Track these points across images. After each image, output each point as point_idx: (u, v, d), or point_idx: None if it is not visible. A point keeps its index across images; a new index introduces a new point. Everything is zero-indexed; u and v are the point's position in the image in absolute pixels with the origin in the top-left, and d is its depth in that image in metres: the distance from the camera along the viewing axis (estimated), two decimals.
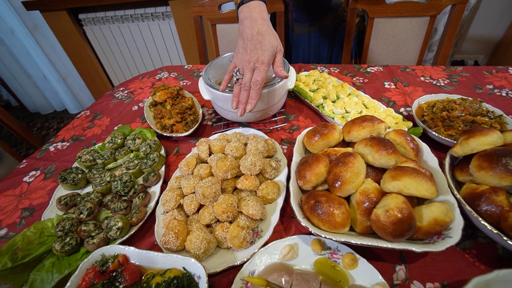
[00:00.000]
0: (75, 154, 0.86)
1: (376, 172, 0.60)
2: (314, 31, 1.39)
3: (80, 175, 0.79)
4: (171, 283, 0.48)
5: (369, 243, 0.49)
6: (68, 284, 0.50)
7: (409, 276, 0.52)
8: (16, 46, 2.71)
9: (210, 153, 0.78)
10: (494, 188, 0.52)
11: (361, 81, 1.12)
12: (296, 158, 0.68)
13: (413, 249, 0.47)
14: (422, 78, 1.09)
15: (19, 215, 0.76)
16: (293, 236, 0.58)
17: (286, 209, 0.67)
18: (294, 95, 1.06)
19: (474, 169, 0.56)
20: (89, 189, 0.79)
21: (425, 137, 0.76)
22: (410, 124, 0.80)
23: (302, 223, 0.53)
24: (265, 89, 0.80)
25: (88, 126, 1.09)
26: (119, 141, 0.88)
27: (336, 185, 0.55)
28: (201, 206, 0.66)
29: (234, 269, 0.56)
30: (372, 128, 0.66)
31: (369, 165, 0.60)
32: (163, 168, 0.79)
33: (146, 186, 0.75)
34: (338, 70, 1.21)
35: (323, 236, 0.51)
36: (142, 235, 0.66)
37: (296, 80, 1.05)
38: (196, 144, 0.80)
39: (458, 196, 0.54)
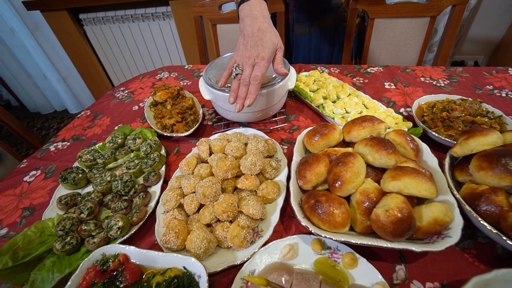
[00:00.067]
0: (76, 154, 0.86)
1: (376, 172, 0.60)
2: (314, 31, 1.39)
3: (80, 175, 0.79)
4: (172, 282, 0.48)
5: (369, 243, 0.49)
6: (69, 283, 0.50)
7: (409, 275, 0.52)
8: (16, 46, 2.72)
9: (211, 153, 0.78)
10: (494, 188, 0.52)
11: (361, 81, 1.12)
12: (296, 158, 0.68)
13: (413, 248, 0.47)
14: (422, 79, 1.09)
15: (19, 214, 0.76)
16: (293, 236, 0.58)
17: (286, 209, 0.67)
18: (294, 95, 1.06)
19: (473, 169, 0.56)
20: (89, 188, 0.79)
21: (425, 137, 0.76)
22: (410, 124, 0.80)
23: (302, 223, 0.53)
24: (265, 89, 0.80)
25: (88, 126, 1.10)
26: (119, 140, 0.89)
27: (336, 185, 0.55)
28: (201, 206, 0.66)
29: (235, 269, 0.56)
30: (372, 128, 0.67)
31: (369, 165, 0.60)
32: (163, 168, 0.80)
33: (147, 185, 0.75)
34: (338, 70, 1.21)
35: (323, 235, 0.51)
36: (143, 234, 0.66)
37: (297, 80, 1.05)
38: (197, 144, 0.80)
39: (457, 196, 0.54)
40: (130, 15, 2.40)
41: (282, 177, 0.70)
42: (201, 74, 1.30)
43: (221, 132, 0.89)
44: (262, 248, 0.57)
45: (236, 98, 0.72)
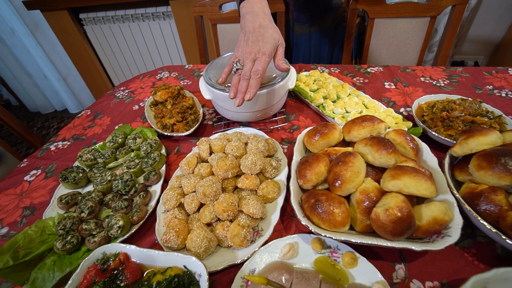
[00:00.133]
0: (76, 153, 0.86)
1: (376, 171, 0.60)
2: (314, 31, 1.39)
3: (81, 174, 0.79)
4: (172, 281, 0.48)
5: (369, 242, 0.49)
6: (69, 282, 0.50)
7: (408, 274, 0.53)
8: (16, 45, 2.72)
9: (211, 153, 0.78)
10: (493, 187, 0.52)
11: (361, 81, 1.12)
12: (296, 158, 0.69)
13: (413, 248, 0.47)
14: (422, 79, 1.09)
15: (20, 213, 0.76)
16: (293, 235, 0.58)
17: (286, 208, 0.67)
18: (295, 95, 1.06)
19: (473, 169, 0.56)
20: (90, 188, 0.79)
21: (425, 137, 0.76)
22: (410, 124, 0.80)
23: (302, 222, 0.54)
24: (266, 89, 0.80)
25: (89, 126, 1.10)
26: (120, 140, 0.89)
27: (336, 184, 0.55)
28: (201, 205, 0.66)
29: (235, 268, 0.56)
30: (372, 127, 0.67)
31: (369, 165, 0.60)
32: (163, 167, 0.80)
33: (147, 185, 0.75)
34: (339, 70, 1.21)
35: (323, 235, 0.52)
36: (143, 233, 0.67)
37: (297, 80, 1.05)
38: (197, 143, 0.80)
39: (457, 195, 0.55)
40: (130, 15, 2.40)
41: (282, 177, 0.71)
42: (201, 73, 1.30)
43: (221, 131, 0.89)
44: (262, 247, 0.57)
45: (236, 93, 0.71)
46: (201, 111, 0.98)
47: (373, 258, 0.54)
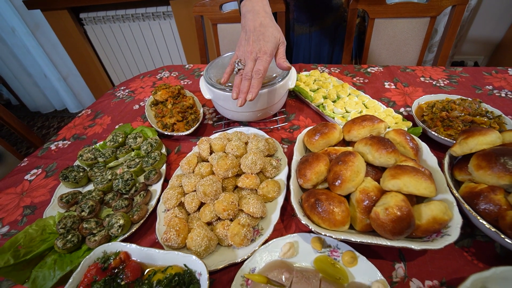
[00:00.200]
0: (76, 153, 0.86)
1: (376, 171, 0.61)
2: (314, 31, 1.39)
3: (81, 173, 0.79)
4: (173, 279, 0.49)
5: (369, 241, 0.49)
6: (70, 280, 0.50)
7: (408, 273, 0.53)
8: (17, 45, 2.72)
9: (211, 152, 0.78)
10: (492, 187, 0.53)
11: (361, 81, 1.13)
12: (296, 157, 0.69)
13: (412, 246, 0.47)
14: (422, 79, 1.10)
15: (20, 213, 0.77)
16: (293, 234, 0.58)
17: (286, 208, 0.67)
18: (295, 95, 1.07)
19: (472, 168, 0.56)
20: (90, 187, 0.79)
21: (424, 137, 0.76)
22: (410, 124, 0.81)
23: (302, 221, 0.54)
24: (266, 89, 0.80)
25: (89, 125, 1.10)
26: (120, 139, 0.89)
27: (336, 183, 0.55)
28: (202, 204, 0.66)
29: (235, 266, 0.56)
30: (372, 127, 0.67)
31: (369, 164, 0.60)
32: (164, 167, 0.80)
33: (147, 184, 0.75)
34: (339, 70, 1.22)
35: (323, 234, 0.52)
36: (143, 232, 0.67)
37: (297, 80, 1.06)
38: (197, 143, 0.80)
39: (456, 194, 0.55)
40: (130, 15, 2.40)
41: (282, 176, 0.71)
42: (201, 73, 1.30)
43: (221, 131, 0.89)
44: (263, 246, 0.57)
45: (238, 93, 0.71)
46: (201, 110, 0.98)
47: (373, 257, 0.54)
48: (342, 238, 0.51)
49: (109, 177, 0.76)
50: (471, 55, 2.65)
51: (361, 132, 0.67)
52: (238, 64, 0.74)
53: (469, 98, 0.82)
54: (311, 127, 0.74)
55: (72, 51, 2.69)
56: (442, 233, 0.50)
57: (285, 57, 0.76)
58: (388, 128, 0.76)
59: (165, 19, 2.41)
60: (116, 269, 0.53)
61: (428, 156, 0.65)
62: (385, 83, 1.09)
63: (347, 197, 0.58)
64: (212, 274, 0.56)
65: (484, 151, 0.57)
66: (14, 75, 3.02)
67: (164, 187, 0.75)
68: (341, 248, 0.55)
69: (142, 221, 0.66)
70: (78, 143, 1.01)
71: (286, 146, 0.86)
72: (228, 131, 0.86)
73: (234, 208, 0.61)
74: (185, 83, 1.28)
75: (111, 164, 0.84)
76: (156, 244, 0.63)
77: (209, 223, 0.64)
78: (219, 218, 0.63)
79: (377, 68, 1.20)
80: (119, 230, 0.62)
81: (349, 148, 0.66)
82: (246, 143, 0.78)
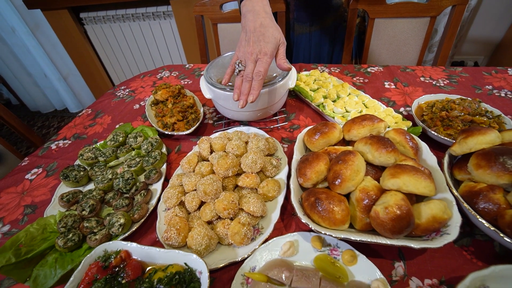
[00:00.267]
0: (77, 152, 0.86)
1: (376, 170, 0.61)
2: (315, 31, 1.40)
3: (82, 173, 0.79)
4: (173, 278, 0.49)
5: (369, 240, 0.50)
6: (71, 279, 0.51)
7: (407, 272, 0.53)
8: (17, 44, 2.72)
9: (211, 151, 0.78)
10: (492, 186, 0.53)
11: (361, 81, 1.13)
12: (296, 156, 0.69)
13: (412, 245, 0.47)
14: (422, 79, 1.10)
15: (21, 212, 0.77)
16: (294, 233, 0.59)
17: (286, 207, 0.68)
18: (295, 95, 1.07)
19: (472, 168, 0.56)
20: (91, 186, 0.79)
21: (424, 136, 0.76)
22: (410, 123, 0.81)
23: (302, 220, 0.54)
24: (266, 88, 0.81)
25: (89, 124, 1.10)
26: (120, 139, 0.89)
27: (336, 182, 0.56)
28: (202, 203, 0.67)
29: (235, 265, 0.56)
30: (372, 127, 0.67)
31: (368, 163, 0.61)
32: (164, 166, 0.80)
33: (148, 183, 0.76)
34: (339, 70, 1.22)
35: (323, 232, 0.52)
36: (144, 231, 0.67)
37: (297, 80, 1.06)
38: (198, 142, 0.81)
39: (456, 194, 0.55)
40: (131, 14, 2.41)
41: (282, 175, 0.71)
42: (201, 73, 1.31)
43: (222, 130, 0.90)
44: (263, 245, 0.57)
45: (239, 95, 0.72)
46: (201, 110, 0.98)
47: (373, 256, 0.54)
48: (342, 237, 0.51)
49: (110, 176, 0.77)
50: (471, 55, 2.65)
51: (361, 132, 0.67)
52: (238, 66, 0.75)
53: (468, 98, 0.82)
54: (311, 126, 0.74)
55: (72, 51, 2.69)
56: (441, 232, 0.50)
57: (286, 57, 0.76)
58: (388, 127, 0.76)
59: (165, 19, 2.41)
60: (117, 268, 0.53)
61: (428, 155, 0.65)
62: (385, 83, 1.10)
63: (347, 196, 0.58)
64: (212, 272, 0.56)
65: (483, 150, 0.57)
66: (14, 74, 3.02)
67: (164, 186, 0.75)
68: (341, 247, 0.55)
69: (142, 220, 0.66)
70: (79, 143, 1.01)
71: (286, 145, 0.87)
72: (228, 131, 0.86)
73: (235, 207, 0.61)
74: (186, 82, 1.28)
75: (112, 164, 0.84)
76: (157, 243, 0.63)
77: (209, 222, 0.64)
78: (219, 217, 0.63)
79: (377, 68, 1.20)
80: (120, 229, 0.62)
81: (349, 148, 0.66)
82: (246, 143, 0.78)
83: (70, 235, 0.62)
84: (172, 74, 1.37)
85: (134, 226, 0.65)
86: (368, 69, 1.19)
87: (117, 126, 1.05)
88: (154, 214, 0.69)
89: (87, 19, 2.49)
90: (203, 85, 0.90)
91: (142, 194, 0.71)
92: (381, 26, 1.40)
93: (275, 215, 0.63)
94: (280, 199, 0.66)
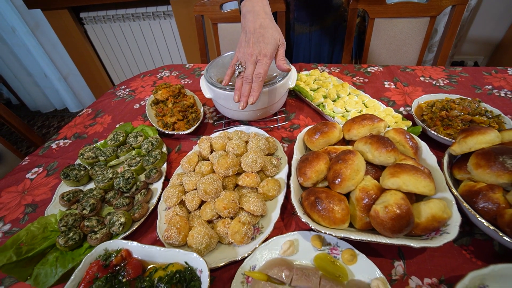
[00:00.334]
0: (77, 152, 0.87)
1: (376, 169, 0.61)
2: (315, 31, 1.40)
3: (82, 172, 0.79)
4: (173, 277, 0.49)
5: (368, 239, 0.50)
6: (72, 277, 0.51)
7: (407, 271, 0.53)
8: (17, 44, 2.72)
9: (212, 151, 0.79)
10: (491, 185, 0.53)
11: (361, 80, 1.13)
12: (296, 156, 0.69)
13: (411, 244, 0.47)
14: (421, 78, 1.10)
15: (22, 211, 0.77)
16: (294, 232, 0.59)
17: (286, 206, 0.68)
18: (295, 94, 1.07)
19: (471, 167, 0.57)
20: (91, 185, 0.80)
21: (424, 136, 0.76)
22: (410, 123, 0.81)
23: (302, 219, 0.54)
24: (266, 88, 0.81)
25: (90, 124, 1.10)
26: (121, 138, 0.89)
27: (336, 182, 0.56)
28: (202, 203, 0.67)
29: (235, 264, 0.56)
30: (372, 126, 0.67)
31: (368, 163, 0.61)
32: (164, 165, 0.80)
33: (148, 183, 0.76)
34: (339, 69, 1.22)
35: (323, 232, 0.52)
36: (144, 230, 0.67)
37: (297, 80, 1.06)
38: (198, 141, 0.81)
39: (455, 193, 0.55)
40: (131, 14, 2.41)
41: (282, 175, 0.71)
42: (202, 73, 1.31)
43: (222, 130, 0.90)
44: (263, 244, 0.57)
45: (240, 96, 0.72)
46: (202, 109, 0.98)
47: (373, 255, 0.54)
48: (342, 236, 0.51)
49: (110, 175, 0.77)
50: (471, 55, 2.65)
51: (361, 131, 0.68)
52: (238, 67, 0.75)
53: (468, 98, 0.82)
54: (311, 126, 0.74)
55: (72, 51, 2.69)
56: (441, 231, 0.51)
57: (285, 58, 0.76)
58: (388, 127, 0.76)
59: (165, 19, 2.41)
60: (118, 267, 0.53)
61: (428, 155, 0.65)
62: (385, 83, 1.10)
63: (347, 195, 0.58)
64: (212, 271, 0.56)
65: (483, 150, 0.57)
66: (14, 74, 3.02)
67: (164, 185, 0.75)
68: (341, 246, 0.56)
69: (143, 219, 0.66)
70: (79, 142, 1.01)
71: (286, 145, 0.87)
72: (228, 130, 0.86)
73: (235, 206, 0.61)
74: (186, 82, 1.29)
75: (112, 163, 0.84)
76: (157, 242, 0.64)
77: (209, 221, 0.64)
78: (219, 216, 0.63)
79: (377, 67, 1.20)
80: (120, 228, 0.62)
81: (349, 147, 0.66)
82: (247, 142, 0.78)
83: (71, 234, 0.62)
84: (172, 74, 1.38)
85: (134, 225, 0.65)
86: (368, 69, 1.19)
87: (117, 125, 1.05)
88: (155, 213, 0.69)
89: (87, 19, 2.49)
90: (203, 84, 0.90)
91: (143, 193, 0.71)
92: (381, 26, 1.40)
93: (275, 214, 0.63)
94: (280, 198, 0.66)
